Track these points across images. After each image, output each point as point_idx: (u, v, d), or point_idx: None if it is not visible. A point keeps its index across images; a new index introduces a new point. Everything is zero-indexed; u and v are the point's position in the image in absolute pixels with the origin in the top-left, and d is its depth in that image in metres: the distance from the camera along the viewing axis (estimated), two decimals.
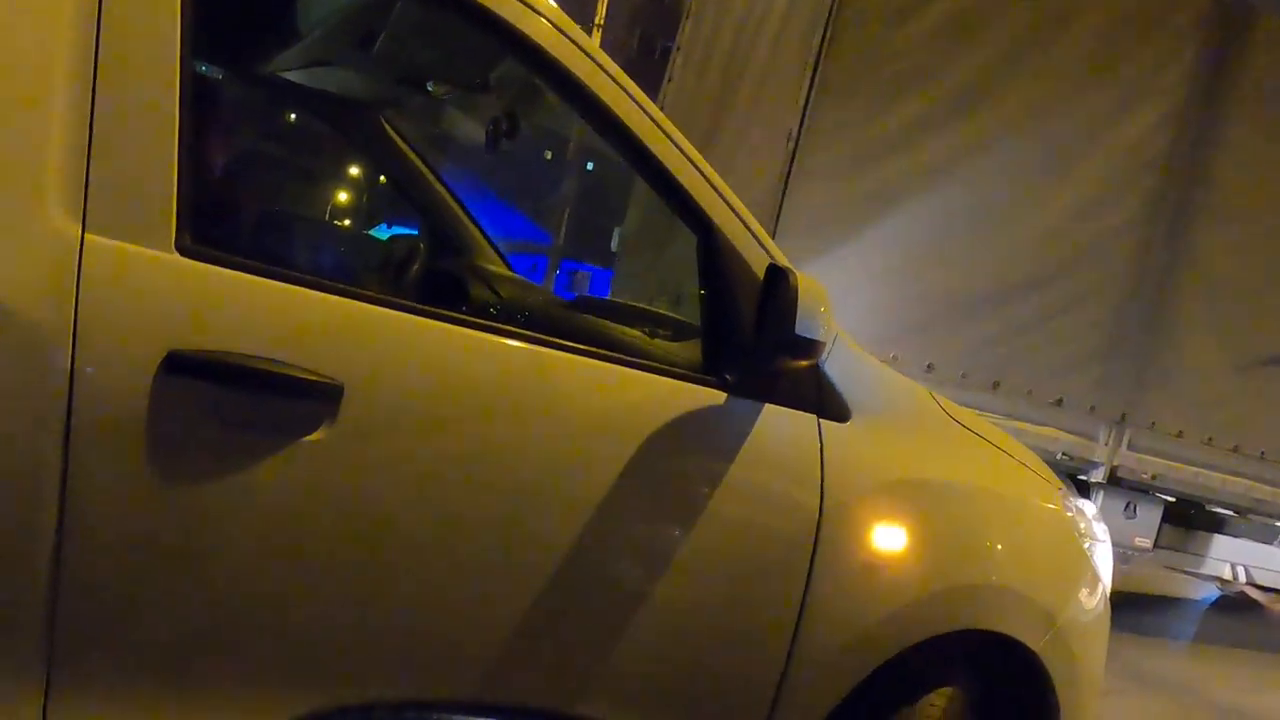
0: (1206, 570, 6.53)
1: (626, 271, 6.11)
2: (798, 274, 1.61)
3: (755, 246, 1.73)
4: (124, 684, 1.33)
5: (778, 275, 1.61)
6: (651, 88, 4.81)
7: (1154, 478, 5.60)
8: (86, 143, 1.23)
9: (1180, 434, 5.54)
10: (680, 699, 1.74)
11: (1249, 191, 5.39)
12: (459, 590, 1.52)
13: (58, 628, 1.26)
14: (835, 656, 1.82)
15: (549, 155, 19.21)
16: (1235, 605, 7.95)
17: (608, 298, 3.64)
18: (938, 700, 1.96)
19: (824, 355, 1.74)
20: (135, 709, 1.34)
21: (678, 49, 6.12)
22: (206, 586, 1.35)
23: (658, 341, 1.87)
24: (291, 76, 2.55)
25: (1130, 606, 6.78)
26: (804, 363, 1.67)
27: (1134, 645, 5.66)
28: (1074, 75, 4.97)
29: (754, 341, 1.64)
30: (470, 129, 2.93)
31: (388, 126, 2.64)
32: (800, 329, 1.57)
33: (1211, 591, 8.14)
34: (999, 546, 2.07)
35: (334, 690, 1.47)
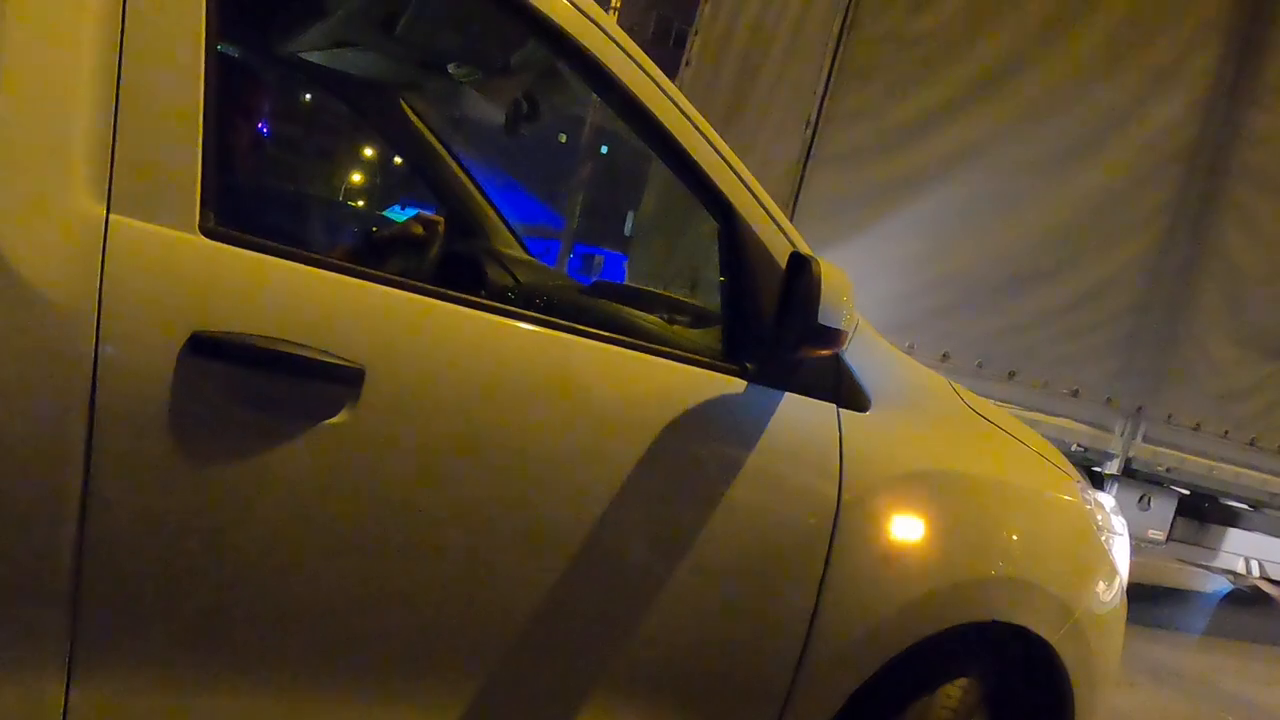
0: (1219, 564, 6.49)
1: (641, 256, 6.09)
2: (821, 262, 1.60)
3: (777, 233, 1.72)
4: (145, 662, 1.34)
5: (801, 263, 1.60)
6: (669, 71, 4.78)
7: (1169, 470, 5.57)
8: (112, 124, 1.23)
9: (1197, 427, 5.50)
10: (696, 686, 1.74)
11: (1275, 183, 5.33)
12: (478, 574, 1.52)
13: (81, 606, 1.26)
14: (851, 646, 1.82)
15: (563, 138, 19.17)
16: (1247, 599, 7.92)
17: (625, 283, 3.63)
18: (954, 691, 1.96)
19: (845, 345, 1.74)
20: (156, 687, 1.35)
21: (696, 32, 6.07)
22: (227, 567, 1.35)
23: (677, 328, 1.86)
24: (313, 58, 2.55)
25: (1142, 599, 6.76)
26: (826, 352, 1.66)
27: (1145, 637, 5.65)
28: (1097, 62, 4.90)
29: (775, 329, 1.63)
30: (486, 111, 2.92)
31: (407, 109, 2.64)
32: (823, 318, 1.56)
33: (1222, 584, 8.12)
34: (1016, 538, 2.06)
35: (349, 672, 1.47)
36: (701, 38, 5.97)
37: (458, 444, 1.46)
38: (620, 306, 1.84)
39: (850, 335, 1.72)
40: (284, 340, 1.31)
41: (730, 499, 1.67)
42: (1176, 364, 5.37)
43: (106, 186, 1.22)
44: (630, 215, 5.98)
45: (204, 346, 1.26)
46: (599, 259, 17.43)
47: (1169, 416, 5.43)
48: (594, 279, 3.20)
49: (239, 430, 1.33)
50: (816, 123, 4.55)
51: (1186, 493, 5.93)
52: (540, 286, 2.15)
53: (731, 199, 1.68)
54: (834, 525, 1.76)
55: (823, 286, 1.57)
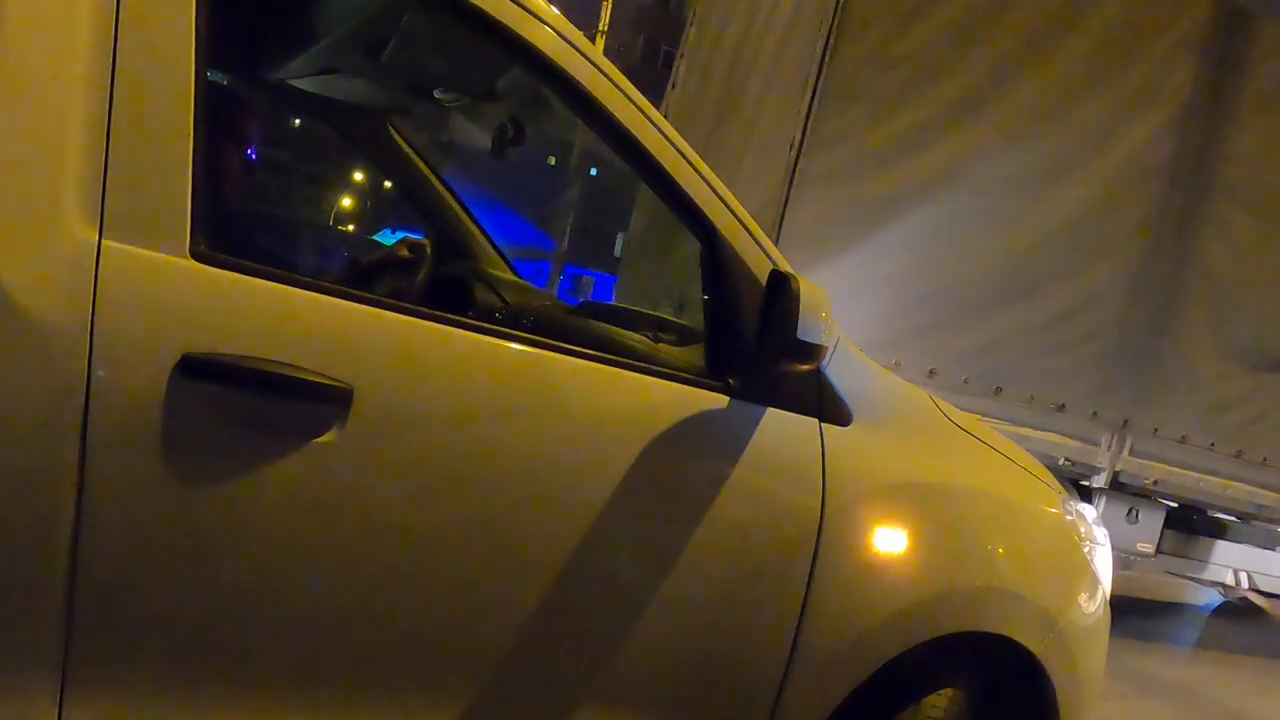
0: (1209, 576, 6.52)
1: (630, 277, 6.13)
2: (800, 279, 1.64)
3: (758, 252, 1.75)
4: (137, 681, 1.36)
5: (780, 280, 1.64)
6: (655, 94, 4.83)
7: (1156, 483, 5.61)
8: (104, 150, 1.25)
9: (1183, 439, 5.54)
10: (682, 700, 1.76)
11: (1254, 198, 5.40)
12: (466, 591, 1.54)
13: (74, 626, 1.28)
14: (836, 658, 1.84)
15: (553, 161, 19.27)
16: (1237, 611, 7.95)
17: (612, 303, 3.66)
18: (939, 701, 1.98)
19: (826, 360, 1.77)
20: (148, 706, 1.36)
21: (681, 55, 6.14)
22: (219, 587, 1.37)
23: (662, 346, 1.89)
24: (302, 84, 2.58)
25: (1132, 612, 6.78)
26: (806, 367, 1.69)
27: (1136, 650, 5.67)
28: (1076, 81, 4.98)
29: (757, 346, 1.67)
30: (475, 135, 2.96)
31: (395, 133, 2.67)
32: (802, 334, 1.60)
33: (1214, 597, 8.15)
34: (999, 549, 2.09)
35: (340, 688, 1.49)
36: (686, 61, 6.04)
37: (445, 462, 1.49)
38: (606, 326, 1.87)
39: (830, 351, 1.75)
40: (273, 361, 1.34)
41: (714, 513, 1.69)
42: (1161, 377, 5.42)
43: (99, 212, 1.25)
44: (619, 236, 6.01)
45: (195, 368, 1.29)
46: (588, 280, 17.49)
47: (1155, 430, 5.48)
48: (583, 299, 3.23)
49: (229, 450, 1.35)
50: (801, 144, 4.61)
51: (1175, 505, 5.97)
52: (527, 307, 2.18)
53: (713, 219, 1.72)
54: (817, 538, 1.78)
55: (802, 303, 1.60)
